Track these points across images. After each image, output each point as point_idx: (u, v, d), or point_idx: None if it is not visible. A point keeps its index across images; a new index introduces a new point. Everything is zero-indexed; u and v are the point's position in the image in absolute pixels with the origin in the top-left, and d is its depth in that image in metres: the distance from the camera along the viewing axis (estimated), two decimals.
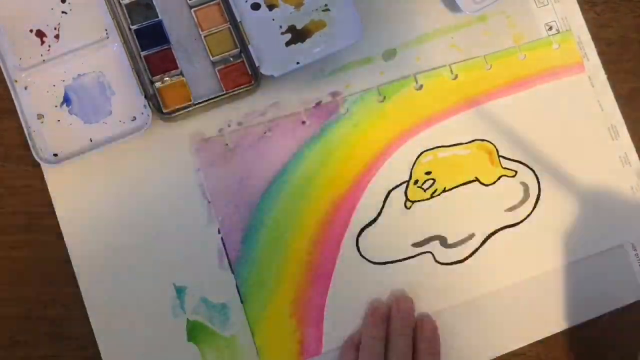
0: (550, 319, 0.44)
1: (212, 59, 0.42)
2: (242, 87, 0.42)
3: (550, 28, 0.46)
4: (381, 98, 0.44)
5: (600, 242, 0.45)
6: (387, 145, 0.44)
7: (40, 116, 0.41)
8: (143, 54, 0.41)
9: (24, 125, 0.40)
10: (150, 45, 0.41)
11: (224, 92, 0.42)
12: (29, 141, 0.40)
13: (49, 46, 0.42)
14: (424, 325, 0.42)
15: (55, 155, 0.41)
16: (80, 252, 0.41)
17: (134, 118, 0.42)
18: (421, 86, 0.44)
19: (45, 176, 0.42)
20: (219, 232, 0.42)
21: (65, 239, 0.41)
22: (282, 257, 0.42)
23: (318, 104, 0.44)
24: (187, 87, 0.41)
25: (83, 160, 0.41)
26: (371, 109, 0.44)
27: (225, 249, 0.42)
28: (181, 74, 0.42)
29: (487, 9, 0.45)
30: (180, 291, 0.42)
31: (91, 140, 0.41)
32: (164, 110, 0.41)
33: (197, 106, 0.41)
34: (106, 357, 0.41)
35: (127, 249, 0.42)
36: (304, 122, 0.43)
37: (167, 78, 0.41)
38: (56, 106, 0.41)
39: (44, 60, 0.41)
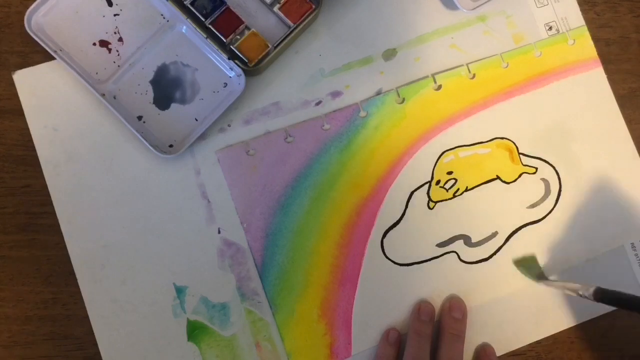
0: (552, 319, 0.44)
1: (267, 1, 0.43)
2: (307, 14, 0.42)
3: (550, 28, 0.46)
4: (400, 100, 0.44)
5: (614, 239, 0.45)
6: (408, 146, 0.44)
7: (140, 117, 0.42)
8: (208, 22, 0.42)
9: (133, 132, 0.41)
10: (210, 12, 0.42)
11: (294, 26, 0.42)
12: (144, 143, 0.40)
13: (117, 51, 0.42)
14: (453, 305, 0.42)
15: (171, 146, 0.42)
16: (80, 252, 0.41)
17: (225, 84, 0.42)
18: (440, 86, 0.44)
19: (45, 176, 0.42)
20: (219, 232, 0.42)
21: (65, 239, 0.41)
22: (308, 262, 0.42)
23: (318, 103, 0.44)
24: (260, 36, 0.42)
25: (83, 160, 0.42)
26: (391, 111, 0.44)
27: (252, 255, 0.42)
28: (247, 27, 0.42)
29: (485, 8, 0.45)
30: (180, 291, 0.42)
31: (196, 120, 0.42)
32: (250, 64, 0.42)
33: (276, 49, 0.42)
34: (106, 357, 0.41)
35: (127, 249, 0.41)
36: (324, 127, 0.43)
37: (238, 36, 0.42)
38: (149, 102, 0.42)
39: (118, 66, 0.42)
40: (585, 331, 0.44)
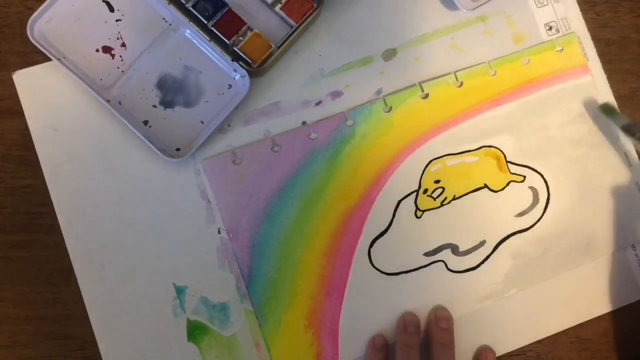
0: (550, 320, 0.44)
1: (269, 1, 0.43)
2: (308, 13, 0.42)
3: (550, 28, 0.46)
4: (387, 108, 0.44)
5: (608, 245, 0.45)
6: (395, 155, 0.44)
7: (146, 122, 0.42)
8: (210, 24, 0.42)
9: (139, 136, 0.40)
10: (213, 15, 0.42)
11: (296, 25, 0.42)
12: (152, 148, 0.40)
13: (121, 57, 0.42)
14: (439, 316, 0.42)
15: (178, 149, 0.42)
16: (80, 252, 0.41)
17: (230, 86, 0.42)
18: (427, 95, 0.44)
19: (45, 176, 0.42)
20: (219, 232, 0.42)
21: (65, 239, 0.41)
22: (295, 272, 0.42)
23: (318, 103, 0.44)
24: (263, 37, 0.42)
25: (83, 160, 0.42)
26: (378, 120, 0.44)
27: (238, 265, 0.42)
28: (250, 28, 0.42)
29: (485, 8, 0.45)
30: (180, 291, 0.42)
31: (202, 122, 0.42)
32: (254, 65, 0.42)
33: (280, 49, 0.42)
34: (106, 357, 0.41)
35: (127, 249, 0.42)
36: (311, 136, 0.43)
37: (241, 37, 0.42)
38: (155, 106, 0.42)
39: (122, 72, 0.42)
40: (585, 331, 0.44)
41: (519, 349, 0.44)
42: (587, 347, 0.45)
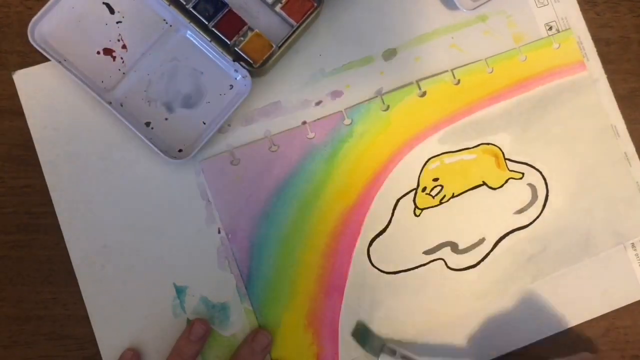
0: (551, 320, 0.44)
1: (269, 1, 0.43)
2: (309, 13, 0.42)
3: (550, 28, 0.46)
4: (385, 107, 0.44)
5: (607, 242, 0.45)
6: (393, 153, 0.44)
7: (148, 124, 0.42)
8: (211, 24, 0.42)
9: (142, 138, 0.40)
10: (213, 15, 0.42)
11: (297, 25, 0.42)
12: (155, 150, 0.40)
13: (122, 58, 0.42)
14: (257, 337, 0.41)
15: (180, 150, 0.42)
16: (80, 252, 0.41)
17: (231, 86, 0.43)
18: (424, 93, 0.44)
19: (45, 176, 0.42)
20: (219, 232, 0.42)
21: (65, 239, 0.41)
22: (294, 272, 0.42)
23: (318, 103, 0.44)
24: (264, 37, 0.42)
25: (83, 160, 0.42)
26: (376, 119, 0.44)
27: (237, 265, 0.42)
28: (250, 28, 0.42)
29: (485, 8, 0.45)
30: (180, 291, 0.42)
31: (204, 123, 0.42)
32: (255, 65, 0.41)
33: (281, 49, 0.42)
34: (106, 357, 0.41)
35: (127, 249, 0.41)
36: (308, 135, 0.43)
37: (241, 38, 0.42)
38: (156, 108, 0.42)
39: (124, 74, 0.42)
40: (585, 331, 0.44)
41: (519, 348, 0.44)
42: (587, 347, 0.44)
